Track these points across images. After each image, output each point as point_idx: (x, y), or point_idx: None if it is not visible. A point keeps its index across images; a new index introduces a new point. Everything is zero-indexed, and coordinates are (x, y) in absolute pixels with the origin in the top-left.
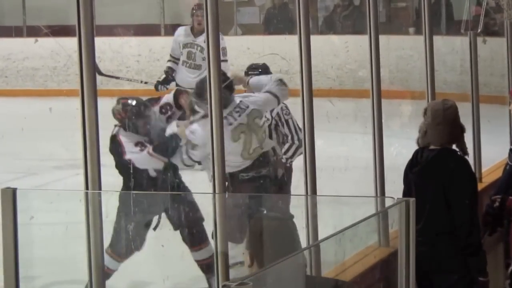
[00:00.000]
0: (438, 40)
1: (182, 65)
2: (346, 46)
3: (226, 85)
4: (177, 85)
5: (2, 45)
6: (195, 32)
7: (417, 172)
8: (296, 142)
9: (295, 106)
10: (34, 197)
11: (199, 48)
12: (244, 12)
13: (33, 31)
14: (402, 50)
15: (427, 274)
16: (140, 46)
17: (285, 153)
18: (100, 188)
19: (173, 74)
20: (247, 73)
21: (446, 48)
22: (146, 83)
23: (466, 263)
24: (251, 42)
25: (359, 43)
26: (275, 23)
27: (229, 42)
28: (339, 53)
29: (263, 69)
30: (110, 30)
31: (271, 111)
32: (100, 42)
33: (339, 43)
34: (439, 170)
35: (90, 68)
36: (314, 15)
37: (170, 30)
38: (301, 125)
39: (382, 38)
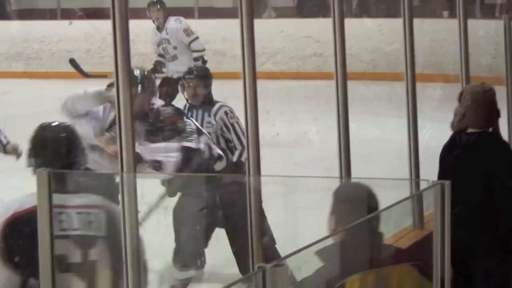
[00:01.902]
0: (472, 23)
1: (166, 61)
2: (380, 29)
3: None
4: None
5: (36, 27)
6: (159, 28)
7: (458, 155)
8: (241, 147)
9: (329, 89)
10: (70, 179)
11: (166, 41)
12: None
13: (67, 14)
14: (436, 33)
15: (464, 258)
16: None
17: (236, 159)
18: (134, 170)
19: (161, 67)
20: (184, 77)
21: (480, 31)
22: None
23: (506, 247)
24: (285, 25)
25: (393, 26)
26: (309, 6)
27: (262, 25)
28: (373, 36)
29: (201, 73)
30: (144, 13)
31: (214, 115)
32: (134, 25)
33: (373, 26)
34: (480, 153)
35: (124, 50)
36: None
37: (204, 13)
38: (335, 108)
39: (416, 22)
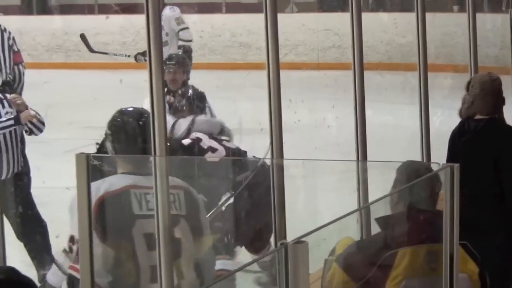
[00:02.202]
0: (480, 17)
1: None
2: (394, 22)
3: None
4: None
5: (76, 21)
6: None
7: (467, 140)
8: None
9: (347, 78)
10: (106, 162)
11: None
12: None
13: (104, 9)
14: (447, 26)
15: (472, 236)
16: (203, 22)
17: None
18: (166, 153)
19: None
20: (165, 63)
21: (488, 24)
22: (128, 56)
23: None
24: (306, 19)
25: (407, 20)
26: (329, 1)
27: (285, 19)
28: (388, 29)
29: (180, 60)
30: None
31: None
32: None
33: (388, 20)
34: (489, 138)
35: (157, 43)
36: None
37: (231, 8)
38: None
39: (428, 16)
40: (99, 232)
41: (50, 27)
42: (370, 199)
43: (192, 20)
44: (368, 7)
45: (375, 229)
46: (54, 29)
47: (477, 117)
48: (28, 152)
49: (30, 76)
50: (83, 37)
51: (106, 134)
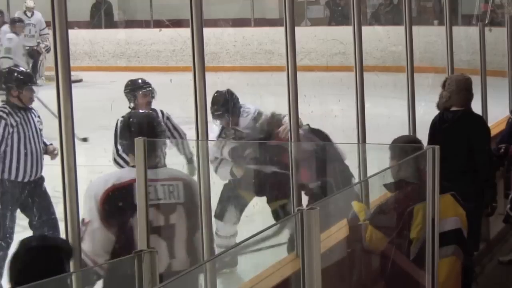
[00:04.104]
0: (455, 29)
1: None
2: (387, 34)
3: None
4: None
5: (135, 34)
6: None
7: (448, 127)
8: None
9: (350, 78)
10: (159, 145)
11: None
12: (312, 9)
13: (158, 23)
14: (429, 37)
15: None
16: (236, 34)
17: None
18: (207, 138)
19: None
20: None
21: (462, 35)
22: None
23: (482, 194)
24: (317, 31)
25: (397, 31)
26: (335, 17)
27: (300, 31)
28: (382, 39)
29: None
30: (214, 23)
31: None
32: (207, 32)
33: (383, 32)
34: (466, 125)
35: (200, 50)
36: (364, 11)
37: (258, 22)
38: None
39: (414, 28)
40: (103, 219)
41: (115, 38)
42: (368, 174)
43: (228, 32)
44: (367, 21)
45: (372, 196)
46: (118, 40)
47: (453, 108)
48: (98, 136)
49: (99, 77)
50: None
51: (115, 132)
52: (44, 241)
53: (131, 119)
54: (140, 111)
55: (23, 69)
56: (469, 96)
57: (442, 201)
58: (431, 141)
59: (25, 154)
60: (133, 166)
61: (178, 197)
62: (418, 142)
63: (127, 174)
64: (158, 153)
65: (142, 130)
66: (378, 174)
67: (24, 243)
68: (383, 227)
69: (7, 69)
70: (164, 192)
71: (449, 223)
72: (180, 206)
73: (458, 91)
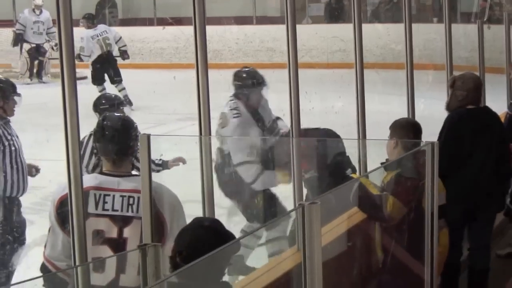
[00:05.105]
0: (454, 27)
1: None
2: (387, 31)
3: None
4: None
5: (139, 31)
6: None
7: (487, 125)
8: None
9: (350, 75)
10: (163, 141)
11: None
12: (313, 7)
13: (161, 21)
14: (429, 34)
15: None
16: (238, 32)
17: None
18: (210, 134)
19: None
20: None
21: (460, 32)
22: None
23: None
24: (318, 28)
25: (397, 29)
26: (335, 14)
27: (301, 29)
28: (382, 36)
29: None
30: (217, 21)
31: None
32: (210, 29)
33: (382, 29)
34: (493, 122)
35: (202, 47)
36: (364, 9)
37: (260, 20)
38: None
39: (414, 26)
40: (59, 223)
41: (124, 36)
42: (369, 169)
43: (230, 30)
44: (367, 19)
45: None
46: (123, 37)
47: (470, 107)
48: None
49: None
50: None
51: (92, 133)
52: (216, 225)
53: (105, 122)
54: (116, 114)
55: (4, 79)
56: (481, 94)
57: None
58: (454, 138)
59: (17, 169)
60: (103, 173)
61: (137, 210)
62: (417, 124)
63: (85, 181)
64: (129, 160)
65: (117, 133)
66: (378, 169)
67: (198, 220)
68: (402, 197)
69: None
70: (122, 204)
71: (440, 198)
72: (137, 220)
73: (475, 89)
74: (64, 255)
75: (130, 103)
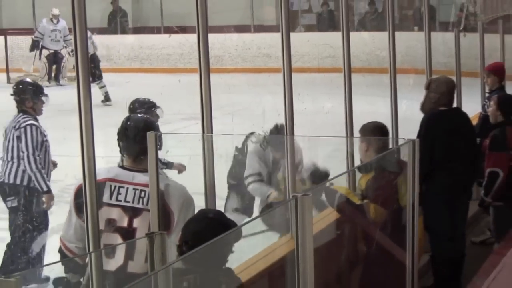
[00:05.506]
0: (433, 35)
1: None
2: (373, 39)
3: None
4: None
5: (147, 39)
6: None
7: (460, 124)
8: None
9: (339, 78)
10: (169, 138)
11: None
12: (305, 16)
13: (168, 30)
14: (410, 41)
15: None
16: (237, 39)
17: None
18: (212, 132)
19: None
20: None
21: (439, 40)
22: None
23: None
24: (310, 36)
25: (382, 37)
26: (326, 24)
27: (295, 36)
28: (368, 43)
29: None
30: (218, 29)
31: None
32: (211, 37)
33: (368, 37)
34: (468, 121)
35: (205, 54)
36: (351, 18)
37: (257, 28)
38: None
39: (397, 34)
40: (76, 209)
41: (129, 42)
42: (356, 164)
43: (231, 38)
44: (354, 28)
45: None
46: (132, 44)
47: (442, 108)
48: (114, 130)
49: (115, 77)
50: None
51: (117, 133)
52: (220, 216)
53: (128, 123)
54: (139, 115)
55: (33, 81)
56: (454, 97)
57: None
58: (435, 137)
59: (49, 163)
60: (122, 167)
61: (147, 203)
62: (384, 127)
63: (103, 173)
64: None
65: (139, 134)
66: (364, 164)
67: (203, 212)
68: (381, 203)
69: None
70: (134, 196)
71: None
72: (147, 212)
73: (448, 92)
74: (76, 238)
75: (109, 99)
